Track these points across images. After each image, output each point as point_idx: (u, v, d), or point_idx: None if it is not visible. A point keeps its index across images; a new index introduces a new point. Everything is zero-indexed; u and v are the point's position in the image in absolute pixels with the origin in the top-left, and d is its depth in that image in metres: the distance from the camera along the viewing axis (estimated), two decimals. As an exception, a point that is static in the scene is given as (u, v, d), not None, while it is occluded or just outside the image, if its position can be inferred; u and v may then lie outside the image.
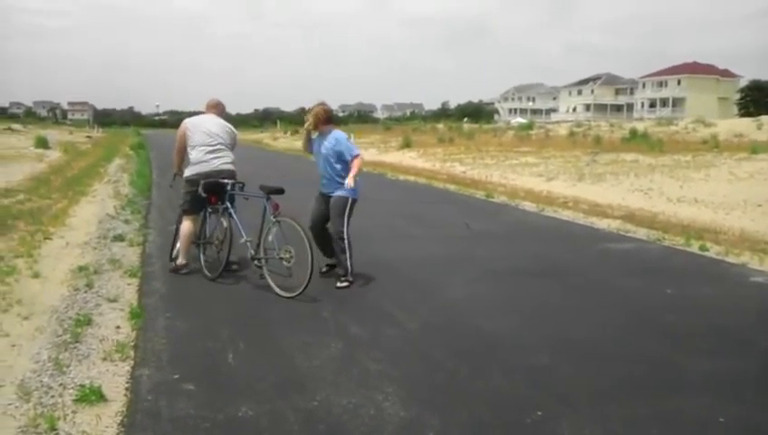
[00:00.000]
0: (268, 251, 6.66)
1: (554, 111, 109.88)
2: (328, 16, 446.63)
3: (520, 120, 68.78)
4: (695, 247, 9.08)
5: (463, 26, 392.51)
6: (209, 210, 7.31)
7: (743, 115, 65.36)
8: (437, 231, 10.58)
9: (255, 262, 6.82)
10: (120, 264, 7.57)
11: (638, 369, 4.76)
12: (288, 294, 6.33)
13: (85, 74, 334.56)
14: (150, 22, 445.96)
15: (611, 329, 5.69)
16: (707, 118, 40.60)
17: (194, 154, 7.24)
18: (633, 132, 32.44)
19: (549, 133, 39.45)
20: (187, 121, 7.54)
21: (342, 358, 4.88)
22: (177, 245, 7.45)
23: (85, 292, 6.42)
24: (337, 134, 7.11)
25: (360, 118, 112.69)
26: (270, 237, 6.62)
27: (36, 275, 6.96)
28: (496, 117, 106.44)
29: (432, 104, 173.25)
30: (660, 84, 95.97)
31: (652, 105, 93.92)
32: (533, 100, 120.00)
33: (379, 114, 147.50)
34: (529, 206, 13.54)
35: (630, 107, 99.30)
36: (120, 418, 3.88)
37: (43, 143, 29.00)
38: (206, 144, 7.22)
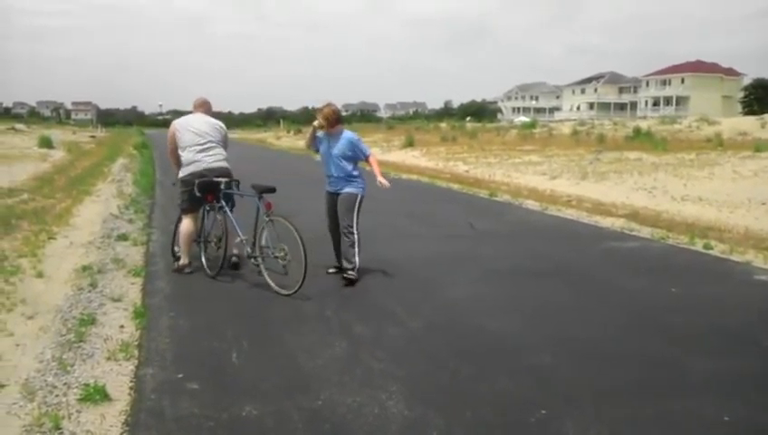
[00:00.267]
0: (263, 249, 6.72)
1: (558, 109, 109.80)
2: (330, 16, 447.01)
3: (523, 118, 68.83)
4: (699, 246, 9.06)
5: (465, 26, 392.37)
6: (207, 208, 7.38)
7: (747, 113, 65.24)
8: (441, 230, 10.57)
9: (252, 260, 6.89)
10: (123, 263, 7.58)
11: (642, 368, 4.75)
12: (286, 292, 6.38)
13: (88, 74, 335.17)
14: (153, 22, 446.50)
15: (615, 328, 5.68)
16: (711, 116, 40.57)
17: (185, 155, 7.25)
18: (637, 131, 32.40)
19: (552, 132, 39.40)
20: (176, 123, 7.55)
21: (346, 357, 4.88)
22: (178, 244, 7.48)
23: (89, 291, 6.43)
24: (348, 135, 7.18)
25: (363, 117, 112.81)
26: (264, 236, 6.70)
27: (40, 275, 6.97)
28: (499, 116, 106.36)
29: (435, 103, 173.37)
30: (664, 83, 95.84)
31: (656, 104, 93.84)
32: (537, 98, 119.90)
33: (382, 113, 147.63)
34: (532, 205, 13.52)
35: (634, 105, 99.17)
36: (124, 417, 3.88)
37: (46, 143, 29.05)
38: (195, 144, 7.22)
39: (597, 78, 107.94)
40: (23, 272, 7.00)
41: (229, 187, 7.25)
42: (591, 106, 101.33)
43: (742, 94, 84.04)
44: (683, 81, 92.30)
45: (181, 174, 7.32)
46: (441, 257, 8.39)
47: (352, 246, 7.01)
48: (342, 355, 4.92)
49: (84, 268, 7.24)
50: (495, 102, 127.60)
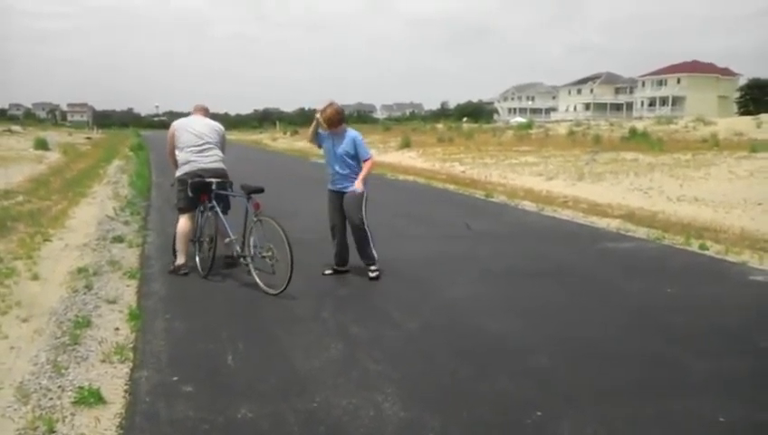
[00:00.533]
0: (252, 249, 6.77)
1: (554, 110, 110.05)
2: (328, 17, 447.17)
3: (519, 119, 68.86)
4: (695, 246, 9.07)
5: (462, 27, 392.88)
6: (200, 209, 7.43)
7: (742, 113, 65.44)
8: (437, 231, 10.58)
9: (242, 260, 6.98)
10: (119, 265, 7.56)
11: (638, 368, 4.75)
12: (273, 291, 6.44)
13: (84, 76, 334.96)
14: (149, 23, 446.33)
15: (612, 328, 5.68)
16: (707, 116, 40.67)
17: (182, 155, 7.36)
18: (633, 131, 32.43)
19: (548, 132, 39.47)
20: (175, 123, 7.71)
21: (342, 359, 4.87)
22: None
23: (84, 293, 6.41)
24: (352, 134, 7.25)
25: (360, 118, 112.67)
26: (252, 236, 6.76)
27: (35, 277, 6.95)
28: (496, 116, 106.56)
29: (431, 104, 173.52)
30: (660, 83, 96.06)
31: (652, 104, 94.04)
32: (533, 99, 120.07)
33: (379, 114, 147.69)
34: (529, 205, 13.53)
35: (630, 106, 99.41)
36: (119, 420, 3.87)
37: (42, 145, 29.02)
38: (193, 144, 7.34)
39: (593, 78, 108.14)
40: (18, 274, 6.98)
41: (221, 187, 7.32)
42: (588, 106, 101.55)
43: (738, 94, 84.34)
44: (679, 81, 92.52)
45: (178, 173, 7.43)
46: (438, 258, 8.38)
47: (367, 242, 7.16)
48: (339, 357, 4.91)
49: (80, 270, 7.23)
50: (492, 103, 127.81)
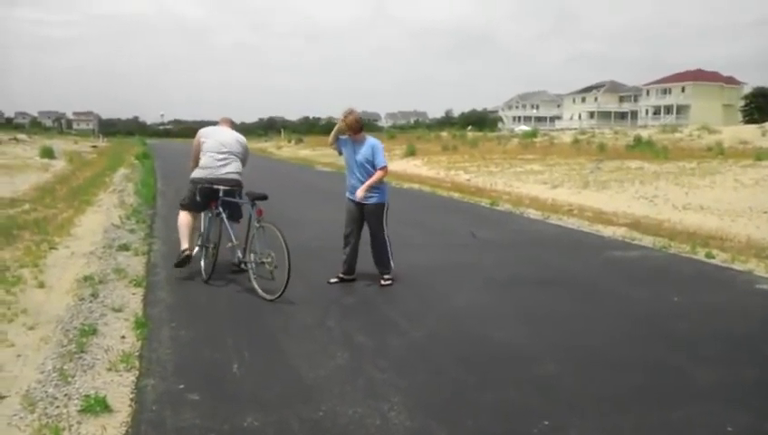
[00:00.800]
0: (253, 255, 6.88)
1: (558, 118, 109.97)
2: (331, 27, 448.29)
3: (524, 127, 68.89)
4: (701, 255, 9.05)
5: (466, 35, 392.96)
6: (209, 214, 7.56)
7: (747, 122, 65.28)
8: (442, 239, 10.58)
9: (243, 265, 7.13)
10: (125, 273, 7.57)
11: (645, 377, 4.74)
12: (270, 297, 6.53)
13: (90, 84, 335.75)
14: (154, 32, 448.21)
15: (618, 337, 5.66)
16: (712, 125, 40.58)
17: (204, 158, 7.57)
18: (637, 139, 32.41)
19: (553, 141, 39.44)
20: (202, 131, 7.97)
21: (348, 367, 4.87)
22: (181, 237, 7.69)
23: (90, 301, 6.42)
24: (373, 142, 7.35)
25: (365, 126, 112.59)
26: (255, 242, 6.86)
27: (42, 285, 6.96)
28: (500, 125, 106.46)
29: (436, 112, 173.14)
30: (664, 92, 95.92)
31: (656, 112, 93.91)
32: (537, 107, 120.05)
33: (383, 123, 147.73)
34: (534, 213, 13.53)
35: (635, 114, 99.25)
36: (125, 428, 3.86)
37: (48, 153, 29.11)
38: (216, 151, 7.57)
39: (597, 87, 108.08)
40: (24, 282, 6.99)
41: (229, 194, 7.41)
42: (592, 115, 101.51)
43: (742, 103, 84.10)
44: (683, 89, 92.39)
45: (194, 174, 7.62)
46: (443, 266, 8.38)
47: (386, 251, 7.31)
48: (344, 365, 4.91)
49: (86, 278, 7.24)
50: (496, 111, 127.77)
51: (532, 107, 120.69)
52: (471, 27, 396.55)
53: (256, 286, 6.77)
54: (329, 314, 6.21)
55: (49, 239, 9.29)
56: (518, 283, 7.63)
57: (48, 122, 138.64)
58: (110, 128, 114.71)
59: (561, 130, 65.27)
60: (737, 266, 8.38)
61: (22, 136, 45.32)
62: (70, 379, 4.53)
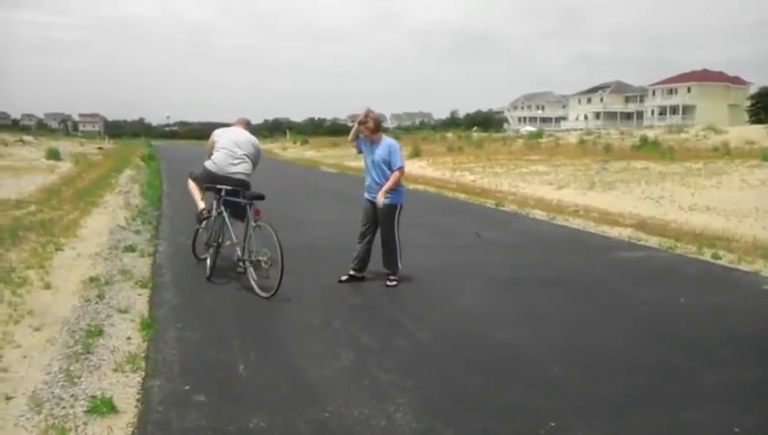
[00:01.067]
0: (251, 254, 7.00)
1: (564, 119, 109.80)
2: (336, 28, 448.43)
3: (529, 128, 68.80)
4: (707, 256, 9.02)
5: (471, 36, 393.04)
6: (214, 213, 7.70)
7: (754, 122, 65.02)
8: (448, 240, 10.57)
9: (240, 263, 7.24)
10: (130, 274, 7.59)
11: (651, 378, 4.72)
12: (266, 295, 6.67)
13: (96, 86, 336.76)
14: (159, 34, 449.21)
15: (625, 338, 5.65)
16: (718, 125, 40.41)
17: (217, 154, 7.81)
18: (643, 140, 32.29)
19: (558, 141, 39.35)
20: (218, 130, 8.22)
21: (353, 368, 4.87)
22: (198, 233, 8.21)
23: (96, 303, 6.43)
24: (390, 142, 7.38)
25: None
26: (252, 241, 7.01)
27: (48, 286, 6.98)
28: (506, 125, 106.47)
29: (441, 113, 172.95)
30: (670, 92, 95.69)
31: (662, 113, 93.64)
32: (543, 108, 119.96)
33: (389, 124, 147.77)
34: (539, 214, 13.51)
35: (640, 115, 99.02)
36: (131, 429, 3.87)
37: (54, 155, 29.19)
38: (229, 150, 7.79)
39: (603, 87, 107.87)
40: (30, 283, 7.01)
41: (232, 194, 7.54)
42: (598, 115, 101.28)
43: (748, 103, 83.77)
44: (689, 90, 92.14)
45: (206, 164, 7.87)
46: (449, 267, 8.38)
47: (395, 253, 7.35)
48: (350, 366, 4.91)
49: (91, 279, 7.25)
50: (502, 112, 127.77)
51: (538, 108, 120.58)
52: (476, 28, 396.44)
53: (254, 284, 6.91)
54: (334, 314, 6.21)
55: (55, 241, 9.30)
56: (523, 283, 7.62)
57: (54, 124, 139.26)
58: (115, 129, 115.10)
59: (567, 130, 65.08)
60: (744, 267, 8.36)
61: (28, 138, 45.39)
62: (76, 380, 4.54)
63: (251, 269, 7.04)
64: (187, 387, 4.45)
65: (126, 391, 4.41)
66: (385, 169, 7.26)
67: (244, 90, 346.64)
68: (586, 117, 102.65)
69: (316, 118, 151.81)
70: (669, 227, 11.61)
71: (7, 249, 8.55)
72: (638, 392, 4.47)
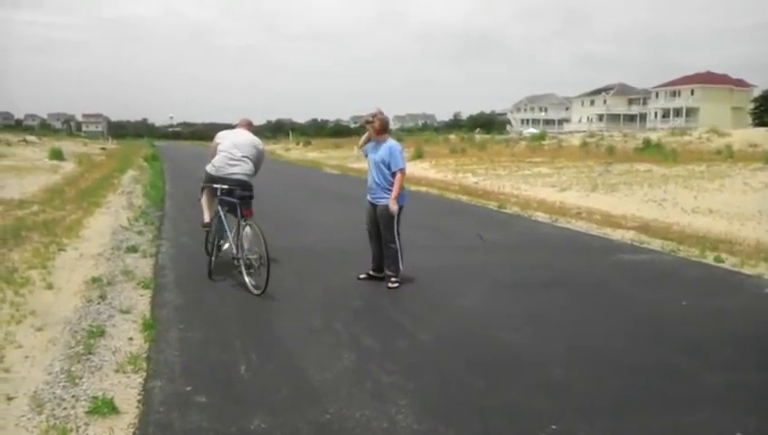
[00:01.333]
0: (242, 252, 7.14)
1: (567, 121, 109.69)
2: (339, 30, 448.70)
3: (532, 130, 68.69)
4: (710, 259, 9.01)
5: (474, 38, 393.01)
6: (218, 213, 7.81)
7: (757, 125, 64.97)
8: (450, 242, 10.56)
9: (235, 261, 7.35)
10: (133, 275, 7.59)
11: (654, 380, 4.71)
12: (257, 292, 6.84)
13: (99, 86, 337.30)
14: (163, 35, 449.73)
15: (627, 341, 5.64)
16: (721, 128, 40.33)
17: (217, 157, 7.96)
18: (646, 142, 32.27)
19: (561, 144, 39.32)
20: (220, 133, 8.38)
21: (355, 370, 4.86)
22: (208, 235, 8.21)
23: (98, 303, 6.43)
24: (391, 144, 7.39)
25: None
26: (242, 240, 7.19)
27: (50, 287, 6.98)
28: (508, 127, 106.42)
29: (444, 115, 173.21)
30: (673, 94, 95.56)
31: (665, 115, 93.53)
32: (546, 110, 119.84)
33: (392, 125, 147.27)
34: (542, 216, 13.49)
35: (643, 117, 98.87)
36: (133, 430, 3.87)
37: (57, 155, 29.22)
38: (228, 152, 7.92)
39: (606, 89, 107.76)
40: (32, 283, 7.01)
41: (229, 194, 7.63)
42: (601, 117, 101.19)
43: (752, 105, 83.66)
44: (692, 92, 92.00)
45: (207, 168, 8.05)
46: (451, 269, 8.37)
47: (396, 254, 7.36)
48: (351, 368, 4.91)
49: (94, 280, 7.26)
50: (504, 114, 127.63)
51: (541, 109, 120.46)
52: (478, 29, 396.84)
53: (247, 281, 7.06)
54: (336, 316, 6.21)
55: (57, 241, 9.32)
56: (525, 285, 7.61)
57: (57, 124, 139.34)
58: (119, 130, 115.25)
59: (570, 132, 65.09)
60: (746, 270, 8.34)
61: (31, 138, 45.39)
62: (77, 380, 4.54)
63: (243, 267, 7.17)
64: (189, 388, 4.45)
65: (127, 391, 4.41)
66: (384, 169, 7.27)
67: (247, 90, 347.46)
68: (589, 119, 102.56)
69: (319, 119, 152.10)
70: (672, 229, 11.59)
71: (10, 249, 8.56)
72: (639, 394, 4.46)
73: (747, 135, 34.84)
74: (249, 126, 8.52)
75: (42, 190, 16.22)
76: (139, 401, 4.26)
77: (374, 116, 7.34)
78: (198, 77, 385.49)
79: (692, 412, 4.19)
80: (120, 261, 8.32)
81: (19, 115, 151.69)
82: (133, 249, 9.01)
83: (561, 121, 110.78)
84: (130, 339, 5.48)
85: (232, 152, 7.90)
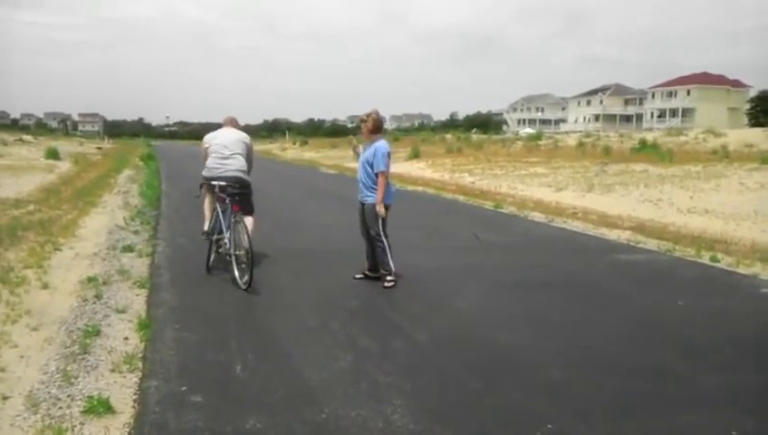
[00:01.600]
0: (232, 247, 7.33)
1: (563, 121, 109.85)
2: (337, 30, 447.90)
3: (528, 130, 68.70)
4: (706, 258, 9.03)
5: (472, 39, 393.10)
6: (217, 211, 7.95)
7: (753, 125, 65.07)
8: (447, 242, 10.56)
9: (227, 257, 7.49)
10: (128, 275, 7.58)
11: (649, 381, 4.72)
12: (244, 287, 6.97)
13: (96, 86, 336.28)
14: (160, 34, 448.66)
15: (623, 341, 5.64)
16: (717, 128, 40.40)
17: (209, 160, 8.16)
18: (643, 143, 32.31)
19: (558, 144, 39.35)
20: (207, 136, 8.56)
21: (351, 370, 4.86)
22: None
23: (94, 303, 6.42)
24: (378, 145, 7.38)
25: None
26: (232, 235, 7.38)
27: (46, 286, 6.97)
28: (505, 127, 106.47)
29: (441, 115, 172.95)
30: (670, 94, 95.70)
31: (661, 115, 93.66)
32: (542, 110, 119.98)
33: (388, 125, 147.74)
34: (538, 216, 13.50)
35: (640, 117, 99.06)
36: (128, 430, 3.86)
37: (53, 154, 29.20)
38: (218, 153, 8.13)
39: (602, 90, 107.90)
40: (28, 283, 7.00)
41: (222, 190, 7.77)
42: (597, 118, 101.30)
43: (748, 106, 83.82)
44: (689, 92, 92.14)
45: (202, 172, 8.21)
46: (447, 269, 8.37)
47: (384, 253, 7.36)
48: (348, 368, 4.90)
49: (89, 280, 7.24)
50: (501, 114, 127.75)
51: (537, 110, 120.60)
52: (477, 30, 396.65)
53: (236, 275, 7.18)
54: (332, 316, 6.20)
55: (53, 240, 9.30)
56: (522, 285, 7.61)
57: (53, 124, 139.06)
58: (115, 129, 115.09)
59: (566, 132, 65.07)
60: (742, 270, 8.36)
61: (27, 137, 45.35)
62: (73, 380, 4.53)
63: (234, 262, 7.29)
64: (185, 388, 4.45)
65: (123, 391, 4.40)
66: (369, 169, 7.34)
67: (244, 90, 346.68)
68: (585, 119, 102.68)
69: (315, 119, 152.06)
70: (668, 229, 11.61)
71: (6, 249, 8.55)
72: (636, 395, 4.46)
73: (743, 135, 34.91)
74: (234, 123, 8.72)
75: (38, 190, 16.19)
76: (134, 401, 4.25)
77: (368, 115, 7.40)
78: (195, 77, 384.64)
79: (687, 413, 4.20)
80: (116, 260, 8.31)
81: (15, 114, 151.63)
82: (129, 249, 9.00)
83: (557, 122, 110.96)
84: (126, 339, 5.47)
85: (222, 152, 8.10)
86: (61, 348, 5.16)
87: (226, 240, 7.49)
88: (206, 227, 8.27)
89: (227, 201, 7.60)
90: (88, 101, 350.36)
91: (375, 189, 7.29)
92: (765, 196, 14.77)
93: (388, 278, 7.31)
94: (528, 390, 4.54)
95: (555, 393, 4.47)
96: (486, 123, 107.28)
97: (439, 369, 4.93)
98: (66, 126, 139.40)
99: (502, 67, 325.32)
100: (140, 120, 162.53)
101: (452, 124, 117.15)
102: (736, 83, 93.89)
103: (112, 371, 4.74)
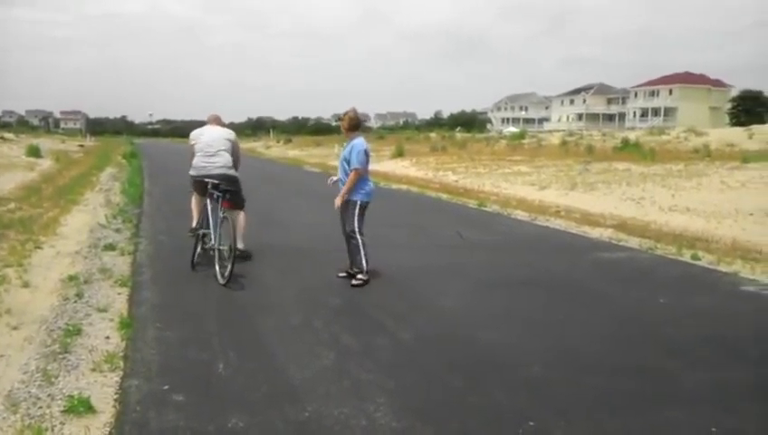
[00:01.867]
0: (217, 242, 7.41)
1: (547, 120, 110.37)
2: (322, 29, 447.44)
3: (512, 129, 69.03)
4: (687, 256, 9.10)
5: (457, 38, 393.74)
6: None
7: (734, 124, 65.64)
8: (430, 240, 10.57)
9: (211, 252, 7.55)
10: (110, 273, 7.53)
11: (631, 379, 4.74)
12: (223, 281, 7.04)
13: (78, 83, 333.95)
14: (144, 31, 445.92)
15: (604, 339, 5.68)
16: (699, 127, 40.76)
17: (195, 159, 8.28)
18: (625, 142, 32.54)
19: (541, 142, 39.53)
20: (193, 133, 8.59)
21: (334, 368, 4.85)
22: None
23: (75, 301, 6.37)
24: (355, 142, 7.41)
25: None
26: (219, 231, 7.46)
27: (26, 285, 6.91)
28: (489, 126, 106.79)
29: (425, 114, 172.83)
30: (652, 94, 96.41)
31: (644, 114, 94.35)
32: (526, 109, 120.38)
33: (373, 123, 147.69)
34: (521, 215, 13.55)
35: (622, 116, 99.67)
36: (109, 429, 3.84)
37: (34, 152, 28.91)
38: (203, 151, 8.23)
39: (586, 89, 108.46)
40: (8, 282, 6.94)
41: (213, 188, 7.78)
42: (580, 117, 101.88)
43: (729, 105, 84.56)
44: (671, 92, 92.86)
45: (190, 172, 8.34)
46: (431, 267, 8.37)
47: (357, 250, 7.32)
48: (330, 366, 4.89)
49: (71, 278, 7.19)
50: (485, 113, 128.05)
51: (521, 109, 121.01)
52: (463, 29, 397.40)
53: (217, 270, 7.24)
54: (316, 314, 6.19)
55: (34, 239, 9.22)
56: (505, 284, 7.63)
57: (35, 121, 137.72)
58: (97, 127, 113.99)
59: (550, 131, 65.39)
60: (723, 268, 8.43)
61: (8, 135, 44.84)
62: (53, 379, 4.50)
63: (216, 257, 7.34)
64: (166, 387, 4.42)
65: (104, 390, 4.37)
66: (345, 166, 7.38)
67: (228, 88, 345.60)
68: (568, 118, 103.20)
69: (300, 117, 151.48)
70: (650, 227, 11.69)
71: (-15, 247, 8.46)
72: (617, 393, 4.49)
73: (724, 134, 35.26)
74: (219, 121, 8.79)
75: (18, 188, 16.04)
76: (115, 400, 4.23)
77: (346, 114, 7.45)
78: (179, 74, 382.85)
79: (669, 410, 4.22)
80: (98, 259, 8.25)
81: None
82: (111, 247, 8.94)
83: (541, 120, 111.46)
84: (107, 338, 5.43)
85: (207, 150, 8.19)
86: (41, 347, 5.12)
87: (212, 235, 7.52)
88: (193, 225, 8.31)
89: (217, 198, 7.63)
90: (70, 98, 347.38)
91: (349, 190, 7.30)
92: (746, 194, 14.91)
93: (359, 276, 7.28)
94: (510, 388, 4.55)
95: (537, 392, 4.49)
96: (471, 122, 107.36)
97: (422, 367, 4.94)
98: (48, 123, 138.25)
99: (487, 66, 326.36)
100: (123, 117, 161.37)
101: (436, 123, 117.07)
102: (718, 83, 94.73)
103: (93, 370, 4.71)
